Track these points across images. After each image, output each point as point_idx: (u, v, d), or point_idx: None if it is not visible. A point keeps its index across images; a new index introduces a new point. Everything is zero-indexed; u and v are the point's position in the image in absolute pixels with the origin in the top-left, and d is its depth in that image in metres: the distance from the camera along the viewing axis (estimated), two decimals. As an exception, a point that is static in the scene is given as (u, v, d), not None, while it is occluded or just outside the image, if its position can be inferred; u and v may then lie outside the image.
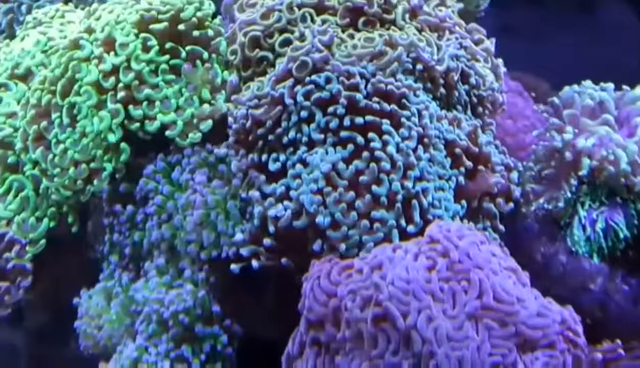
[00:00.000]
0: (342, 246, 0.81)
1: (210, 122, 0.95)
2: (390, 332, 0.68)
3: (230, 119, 0.93)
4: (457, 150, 0.89)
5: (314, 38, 0.91)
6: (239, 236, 0.87)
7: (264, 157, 0.89)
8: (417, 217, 0.82)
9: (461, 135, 0.90)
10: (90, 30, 1.00)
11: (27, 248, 0.96)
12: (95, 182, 0.95)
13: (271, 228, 0.85)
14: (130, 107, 0.94)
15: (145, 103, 0.94)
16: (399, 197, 0.82)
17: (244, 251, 0.86)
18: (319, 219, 0.82)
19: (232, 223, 0.89)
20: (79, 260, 1.03)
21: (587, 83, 0.96)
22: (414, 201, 0.82)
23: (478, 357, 0.65)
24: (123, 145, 0.95)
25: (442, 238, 0.73)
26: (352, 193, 0.82)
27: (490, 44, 1.04)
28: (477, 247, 0.73)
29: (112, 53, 0.96)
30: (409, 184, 0.82)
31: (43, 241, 0.98)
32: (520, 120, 1.37)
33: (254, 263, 0.85)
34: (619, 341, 0.78)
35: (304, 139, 0.87)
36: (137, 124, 0.94)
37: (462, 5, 1.12)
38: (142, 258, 0.94)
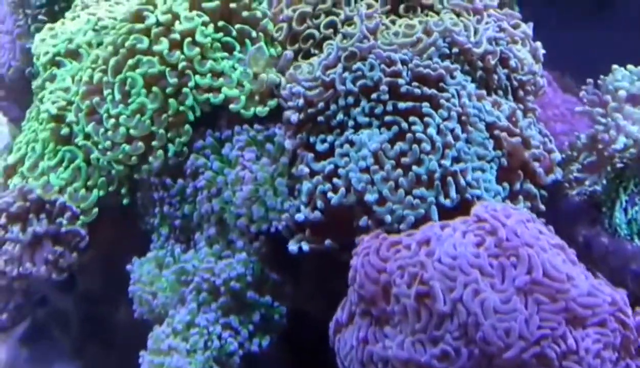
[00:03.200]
0: (388, 218, 0.81)
1: (275, 100, 0.95)
2: (433, 308, 0.68)
3: (283, 92, 0.93)
4: (497, 132, 0.88)
5: (362, 24, 0.90)
6: (300, 216, 0.86)
7: (312, 138, 0.90)
8: (453, 192, 0.82)
9: (501, 117, 0.90)
10: (151, 3, 0.99)
11: (80, 217, 0.97)
12: (150, 159, 0.95)
13: (319, 204, 0.85)
14: (197, 77, 0.94)
15: (210, 75, 0.94)
16: (437, 175, 0.82)
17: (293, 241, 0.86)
18: (367, 197, 0.83)
19: (281, 199, 0.89)
20: (129, 230, 1.03)
21: (631, 68, 0.94)
22: (450, 178, 0.83)
23: (526, 329, 0.65)
24: (187, 127, 0.94)
25: (489, 217, 0.73)
26: (399, 171, 0.83)
27: (527, 27, 1.03)
28: (525, 225, 0.72)
29: (177, 23, 0.96)
30: (446, 162, 0.83)
31: (95, 210, 0.98)
32: (549, 109, 1.35)
33: (304, 246, 0.85)
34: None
35: (351, 122, 0.88)
36: (207, 95, 0.93)
37: None
38: (192, 230, 0.95)
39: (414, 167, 0.82)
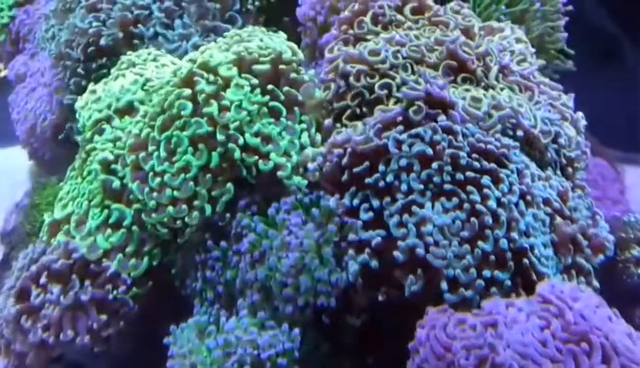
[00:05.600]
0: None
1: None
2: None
3: (319, 159, 0.91)
4: (549, 209, 0.86)
5: (426, 81, 0.88)
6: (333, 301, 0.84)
7: (356, 201, 0.87)
8: (533, 276, 0.78)
9: (553, 195, 0.88)
10: (205, 68, 0.98)
11: (133, 288, 0.93)
12: (186, 219, 0.92)
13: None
14: (247, 135, 0.92)
15: (259, 138, 0.92)
16: (508, 254, 0.78)
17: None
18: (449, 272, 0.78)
19: (328, 270, 0.86)
20: (165, 292, 0.99)
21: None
22: (525, 259, 0.79)
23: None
24: (229, 185, 0.92)
25: (554, 299, 0.69)
26: (467, 247, 0.79)
27: (568, 98, 1.03)
28: (593, 310, 0.69)
29: (228, 91, 0.94)
30: (515, 236, 0.79)
31: (150, 283, 0.94)
32: (582, 174, 1.33)
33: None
34: None
35: (403, 187, 0.84)
36: (255, 157, 0.91)
37: (543, 62, 1.11)
38: (235, 296, 0.91)
39: (480, 243, 0.79)
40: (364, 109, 0.94)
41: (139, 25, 1.28)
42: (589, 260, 0.86)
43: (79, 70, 1.33)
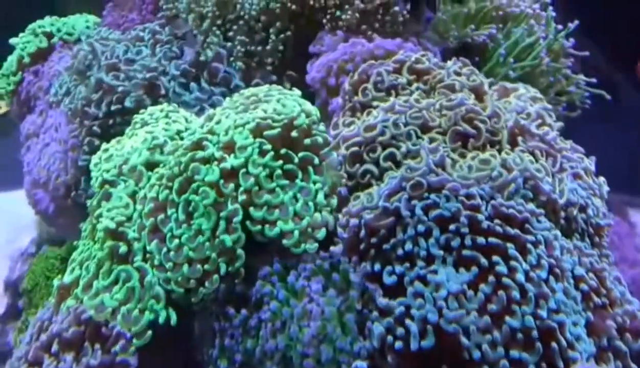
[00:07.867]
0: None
1: (324, 230, 0.92)
2: None
3: (339, 230, 0.91)
4: (584, 286, 0.84)
5: (427, 157, 0.89)
6: (361, 365, 0.82)
7: (377, 267, 0.86)
8: (560, 362, 0.75)
9: (586, 271, 0.86)
10: (212, 132, 0.99)
11: (133, 341, 0.90)
12: (206, 284, 0.92)
13: (390, 359, 0.80)
14: (252, 209, 0.92)
15: (265, 207, 0.92)
16: (534, 333, 0.76)
17: None
18: (464, 340, 0.76)
19: (350, 339, 0.85)
20: (183, 359, 0.97)
21: None
22: (554, 343, 0.76)
23: None
24: (239, 251, 0.92)
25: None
26: (487, 319, 0.77)
27: (589, 162, 1.03)
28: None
29: (232, 155, 0.95)
30: (543, 314, 0.77)
31: (149, 333, 0.91)
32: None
33: None
34: None
35: (422, 253, 0.83)
36: (259, 226, 0.92)
37: (561, 124, 1.13)
38: (253, 366, 0.89)
39: (507, 319, 0.76)
40: (378, 182, 0.94)
41: (160, 86, 1.29)
42: (627, 343, 0.84)
43: (95, 128, 1.30)
